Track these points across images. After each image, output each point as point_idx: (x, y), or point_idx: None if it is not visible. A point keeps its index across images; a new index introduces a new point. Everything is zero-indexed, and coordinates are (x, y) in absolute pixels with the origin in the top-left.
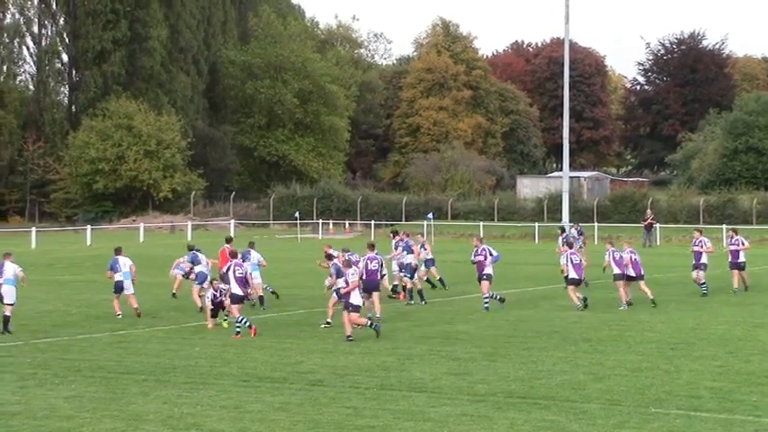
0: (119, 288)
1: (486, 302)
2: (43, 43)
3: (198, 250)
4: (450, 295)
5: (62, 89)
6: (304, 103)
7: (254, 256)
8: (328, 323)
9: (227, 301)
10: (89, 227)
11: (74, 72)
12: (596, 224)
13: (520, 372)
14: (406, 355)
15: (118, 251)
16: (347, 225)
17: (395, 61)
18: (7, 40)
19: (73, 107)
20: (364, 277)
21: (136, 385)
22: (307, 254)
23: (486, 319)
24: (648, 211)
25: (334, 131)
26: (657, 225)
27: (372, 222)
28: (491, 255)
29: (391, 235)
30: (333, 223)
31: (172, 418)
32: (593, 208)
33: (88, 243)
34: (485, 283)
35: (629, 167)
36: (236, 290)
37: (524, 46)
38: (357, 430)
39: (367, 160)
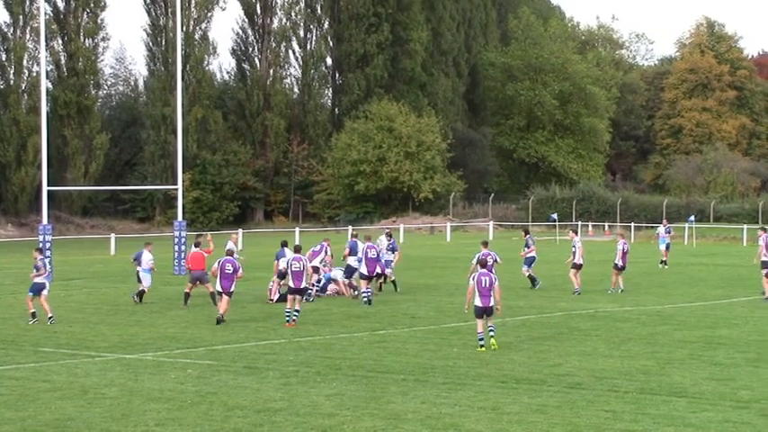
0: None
1: None
2: (308, 47)
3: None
4: (712, 299)
5: (326, 92)
6: (564, 104)
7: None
8: None
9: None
10: (350, 227)
11: (337, 75)
12: None
13: None
14: (666, 359)
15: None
16: (606, 227)
17: (656, 62)
18: (274, 45)
19: (336, 110)
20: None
21: (395, 384)
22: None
23: (750, 324)
24: None
25: (594, 133)
26: None
27: (632, 225)
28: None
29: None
30: (592, 225)
31: (430, 417)
32: None
33: None
34: None
35: None
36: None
37: None
38: None
39: (627, 162)
